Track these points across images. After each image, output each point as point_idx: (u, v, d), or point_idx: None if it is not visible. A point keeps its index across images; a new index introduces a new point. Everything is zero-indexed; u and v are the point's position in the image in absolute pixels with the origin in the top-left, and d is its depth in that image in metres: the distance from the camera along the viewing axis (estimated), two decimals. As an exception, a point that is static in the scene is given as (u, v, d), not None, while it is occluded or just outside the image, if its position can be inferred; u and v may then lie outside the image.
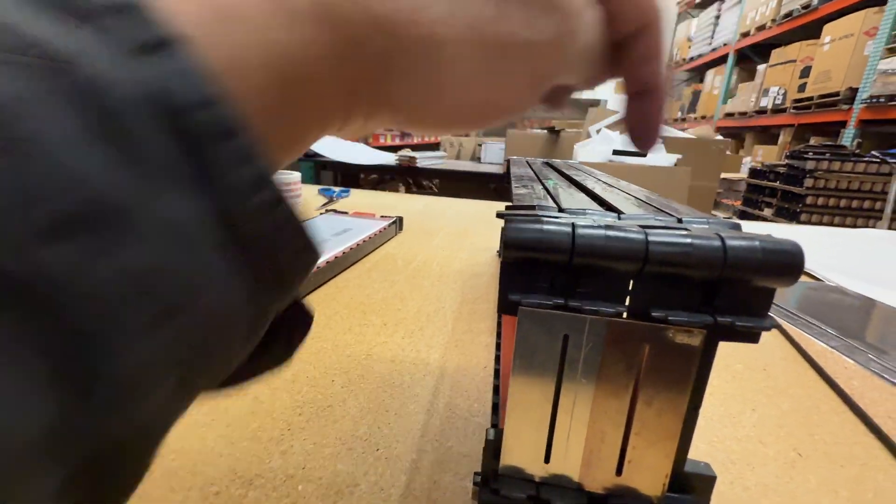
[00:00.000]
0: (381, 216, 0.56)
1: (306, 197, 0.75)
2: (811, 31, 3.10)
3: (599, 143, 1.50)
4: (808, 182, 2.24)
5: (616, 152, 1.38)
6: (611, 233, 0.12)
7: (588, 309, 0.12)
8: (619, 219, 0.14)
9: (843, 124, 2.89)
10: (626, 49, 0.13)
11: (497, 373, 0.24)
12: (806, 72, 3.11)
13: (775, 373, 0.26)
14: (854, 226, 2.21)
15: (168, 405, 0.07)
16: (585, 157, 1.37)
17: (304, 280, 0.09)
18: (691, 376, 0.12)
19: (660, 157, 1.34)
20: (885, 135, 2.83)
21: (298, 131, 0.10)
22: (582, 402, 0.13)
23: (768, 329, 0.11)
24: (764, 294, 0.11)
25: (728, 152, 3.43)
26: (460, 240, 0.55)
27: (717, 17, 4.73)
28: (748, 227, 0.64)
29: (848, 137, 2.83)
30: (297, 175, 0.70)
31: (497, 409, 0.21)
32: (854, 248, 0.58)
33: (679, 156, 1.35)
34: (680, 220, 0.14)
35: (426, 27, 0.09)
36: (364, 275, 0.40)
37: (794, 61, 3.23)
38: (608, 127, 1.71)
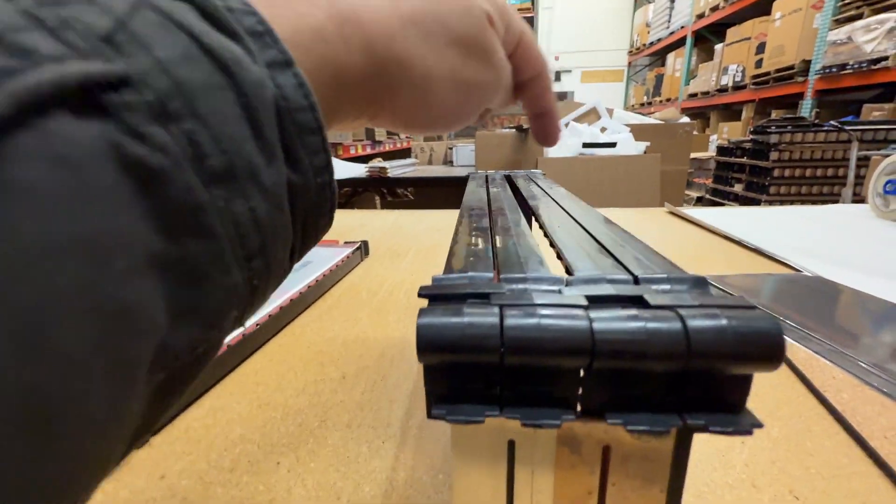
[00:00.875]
0: (346, 242, 0.53)
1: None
2: (762, 7, 3.19)
3: (569, 137, 1.49)
4: (774, 155, 2.29)
5: (586, 145, 1.38)
6: (546, 321, 0.09)
7: (529, 423, 0.09)
8: (568, 285, 0.12)
9: (801, 96, 2.98)
10: (527, 88, 0.20)
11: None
12: (761, 48, 3.19)
13: (762, 390, 0.25)
14: (821, 193, 2.27)
15: (238, 316, 0.10)
16: (555, 153, 1.36)
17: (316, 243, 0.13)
18: (665, 478, 0.10)
19: (628, 146, 1.34)
20: (840, 102, 2.93)
21: (331, 120, 0.14)
22: (540, 516, 0.11)
23: (749, 433, 0.09)
24: (741, 381, 0.09)
25: (695, 132, 3.49)
26: (430, 259, 0.52)
27: (672, 1, 4.82)
28: (714, 214, 0.63)
29: (806, 108, 2.92)
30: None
31: None
32: (825, 228, 0.58)
33: (647, 143, 1.35)
34: (636, 280, 0.12)
35: (425, 67, 0.15)
36: (325, 314, 0.37)
37: (749, 38, 3.31)
38: (576, 119, 1.72)
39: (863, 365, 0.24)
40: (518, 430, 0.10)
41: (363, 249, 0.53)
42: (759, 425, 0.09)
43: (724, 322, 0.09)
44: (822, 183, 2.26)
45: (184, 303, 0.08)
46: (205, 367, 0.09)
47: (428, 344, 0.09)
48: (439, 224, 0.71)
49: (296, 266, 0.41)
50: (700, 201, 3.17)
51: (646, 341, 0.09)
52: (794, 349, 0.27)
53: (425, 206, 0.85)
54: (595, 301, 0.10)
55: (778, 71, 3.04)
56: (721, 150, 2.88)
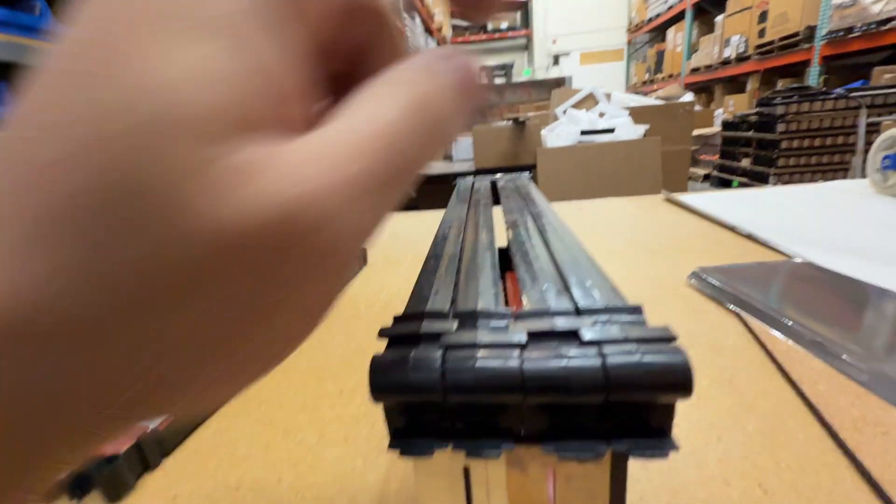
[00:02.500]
0: (344, 252, 0.55)
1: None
2: (762, -25, 3.09)
3: (566, 125, 1.48)
4: (781, 127, 2.25)
5: (584, 132, 1.37)
6: (482, 363, 0.10)
7: (473, 455, 0.10)
8: (517, 318, 0.13)
9: (807, 63, 2.89)
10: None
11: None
12: (763, 16, 3.10)
13: (742, 385, 0.25)
14: (831, 163, 2.22)
15: None
16: (554, 142, 1.36)
17: None
18: (605, 495, 0.11)
19: (627, 130, 1.33)
20: (849, 67, 2.84)
21: None
22: (497, 532, 0.12)
23: (665, 456, 0.10)
24: (664, 409, 0.10)
25: (699, 107, 3.43)
26: (427, 264, 0.53)
27: (669, -26, 4.70)
28: (711, 200, 0.64)
29: (814, 76, 2.84)
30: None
31: None
32: (823, 208, 0.58)
33: (646, 126, 1.34)
34: (578, 311, 0.12)
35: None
36: (324, 330, 0.38)
37: (750, 8, 3.22)
38: (574, 106, 1.70)
39: (843, 357, 0.25)
40: (471, 459, 0.11)
41: (361, 258, 0.54)
42: (676, 448, 0.10)
43: (638, 358, 0.10)
44: (832, 152, 2.21)
45: None
46: None
47: (378, 387, 0.11)
48: (434, 227, 0.72)
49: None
50: (707, 178, 3.12)
51: (568, 378, 0.10)
52: (774, 340, 0.28)
53: (427, 202, 0.86)
54: (534, 337, 0.11)
55: (782, 39, 2.96)
56: (726, 125, 2.83)
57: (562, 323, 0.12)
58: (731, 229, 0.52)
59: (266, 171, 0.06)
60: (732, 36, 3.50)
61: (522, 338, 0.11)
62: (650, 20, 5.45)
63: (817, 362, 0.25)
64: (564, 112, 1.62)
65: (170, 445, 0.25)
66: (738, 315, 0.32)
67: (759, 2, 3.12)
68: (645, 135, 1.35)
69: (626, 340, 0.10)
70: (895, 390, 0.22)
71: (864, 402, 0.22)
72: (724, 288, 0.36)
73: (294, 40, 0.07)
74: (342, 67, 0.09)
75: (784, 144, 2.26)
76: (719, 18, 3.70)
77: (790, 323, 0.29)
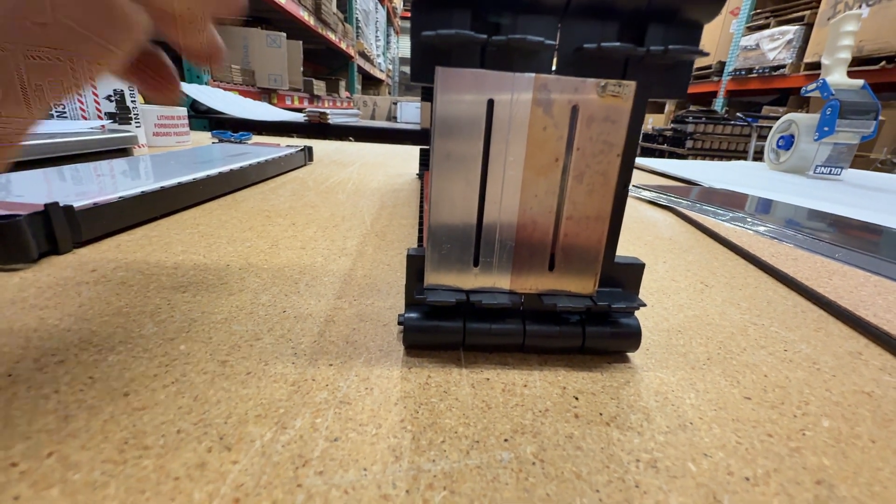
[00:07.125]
0: (287, 146, 0.51)
1: (198, 141, 0.65)
2: (690, 8, 3.44)
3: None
4: (689, 143, 2.54)
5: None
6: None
7: (516, 42, 0.10)
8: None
9: (715, 94, 3.30)
10: None
11: (422, 207, 0.23)
12: (686, 46, 3.46)
13: (680, 241, 0.28)
14: (723, 181, 2.57)
15: None
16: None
17: None
18: (622, 142, 0.12)
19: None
20: (746, 103, 3.30)
21: None
22: (510, 189, 0.12)
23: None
24: (693, 26, 0.11)
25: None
26: (377, 169, 0.51)
27: None
28: (648, 161, 0.70)
29: (718, 105, 3.25)
30: (181, 110, 0.60)
31: (422, 241, 0.19)
32: (729, 171, 0.66)
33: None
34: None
35: None
36: (268, 192, 0.36)
37: (677, 36, 3.57)
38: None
39: (730, 215, 0.29)
40: (498, 86, 0.11)
41: (307, 153, 0.51)
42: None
43: None
44: (725, 171, 2.55)
45: None
46: None
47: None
48: (384, 151, 0.70)
49: (229, 155, 0.38)
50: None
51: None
52: (703, 220, 0.31)
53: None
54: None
55: (698, 69, 3.34)
56: (646, 137, 3.13)
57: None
58: (653, 171, 0.58)
59: None
60: (659, 59, 3.85)
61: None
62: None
63: (733, 227, 0.29)
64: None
65: (84, 237, 0.21)
66: (670, 208, 0.36)
67: (684, 32, 3.47)
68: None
69: None
70: (755, 228, 0.26)
71: (751, 238, 0.26)
72: (656, 196, 0.39)
73: None
74: None
75: (690, 158, 2.56)
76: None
77: (713, 209, 0.33)
